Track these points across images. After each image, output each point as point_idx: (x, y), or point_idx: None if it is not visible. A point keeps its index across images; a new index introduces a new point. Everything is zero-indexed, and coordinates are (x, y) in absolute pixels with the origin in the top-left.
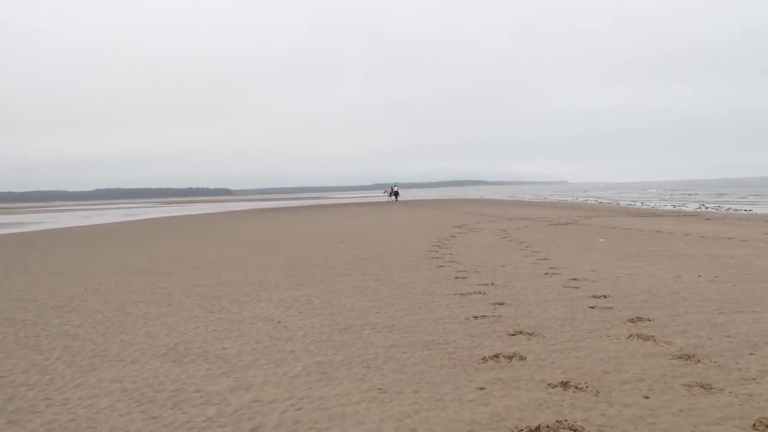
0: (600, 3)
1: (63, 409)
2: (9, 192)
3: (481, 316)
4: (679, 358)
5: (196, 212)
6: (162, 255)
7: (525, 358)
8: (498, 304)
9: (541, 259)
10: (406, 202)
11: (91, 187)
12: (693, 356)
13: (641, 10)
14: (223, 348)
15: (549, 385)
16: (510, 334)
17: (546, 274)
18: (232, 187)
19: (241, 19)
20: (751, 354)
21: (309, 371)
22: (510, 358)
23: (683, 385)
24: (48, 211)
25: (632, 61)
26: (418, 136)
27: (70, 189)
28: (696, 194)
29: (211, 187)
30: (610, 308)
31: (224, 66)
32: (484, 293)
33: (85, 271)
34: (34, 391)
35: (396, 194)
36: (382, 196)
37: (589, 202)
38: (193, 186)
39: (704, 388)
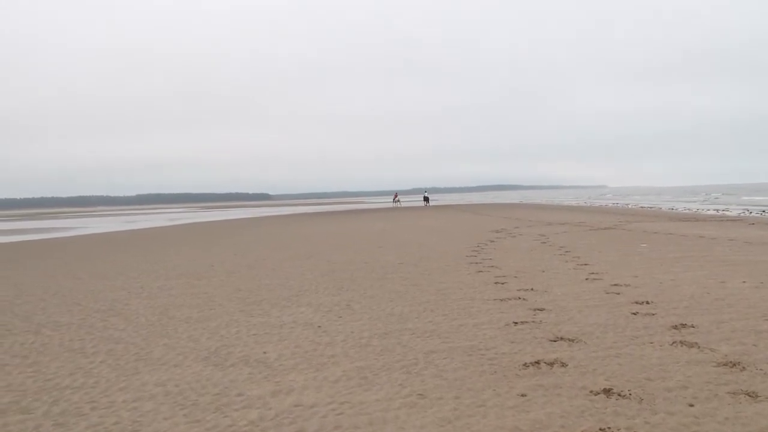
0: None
1: (108, 412)
2: (53, 197)
3: (522, 322)
4: (723, 365)
5: (235, 217)
6: (202, 259)
7: (566, 365)
8: (538, 309)
9: (582, 265)
10: (444, 207)
11: (133, 192)
12: (738, 363)
13: (680, 10)
14: (264, 352)
15: (591, 392)
16: (551, 340)
17: (587, 279)
18: (271, 192)
19: (272, 21)
20: None
21: (349, 376)
22: (551, 364)
23: (728, 392)
24: (91, 216)
25: (668, 63)
26: (455, 139)
27: (113, 194)
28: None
29: (251, 192)
30: (653, 314)
31: (260, 70)
32: (524, 299)
33: (128, 275)
34: (80, 393)
35: (426, 199)
36: (419, 201)
37: (630, 206)
38: (233, 191)
39: (750, 396)
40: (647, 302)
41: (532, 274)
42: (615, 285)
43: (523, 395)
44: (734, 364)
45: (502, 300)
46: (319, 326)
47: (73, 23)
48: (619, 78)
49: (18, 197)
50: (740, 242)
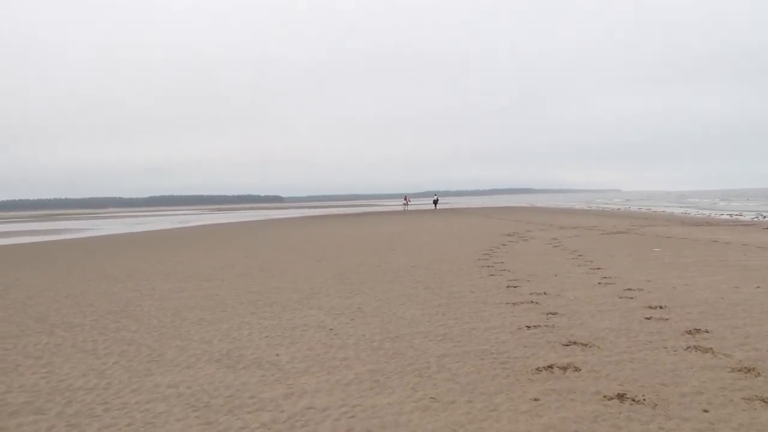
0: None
1: (121, 413)
2: (66, 198)
3: (534, 326)
4: (738, 370)
5: (247, 219)
6: (214, 261)
7: (580, 369)
8: (551, 313)
9: (595, 269)
10: (454, 210)
11: (146, 194)
12: (753, 369)
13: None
14: (276, 355)
15: (605, 397)
16: (564, 345)
17: (600, 283)
18: (283, 194)
19: (284, 22)
20: None
21: (361, 379)
22: (564, 369)
23: (743, 398)
24: (104, 218)
25: (679, 65)
26: (467, 143)
27: (125, 196)
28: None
29: (262, 195)
30: (667, 319)
31: (271, 71)
32: (536, 303)
33: (140, 277)
34: (92, 395)
35: (435, 203)
36: (428, 204)
37: (642, 210)
38: (244, 193)
39: (765, 402)
40: (661, 307)
41: (544, 278)
42: (628, 289)
43: (536, 400)
44: (749, 370)
45: (514, 304)
46: (331, 329)
47: (74, 23)
48: (628, 80)
49: (31, 198)
50: (754, 247)
